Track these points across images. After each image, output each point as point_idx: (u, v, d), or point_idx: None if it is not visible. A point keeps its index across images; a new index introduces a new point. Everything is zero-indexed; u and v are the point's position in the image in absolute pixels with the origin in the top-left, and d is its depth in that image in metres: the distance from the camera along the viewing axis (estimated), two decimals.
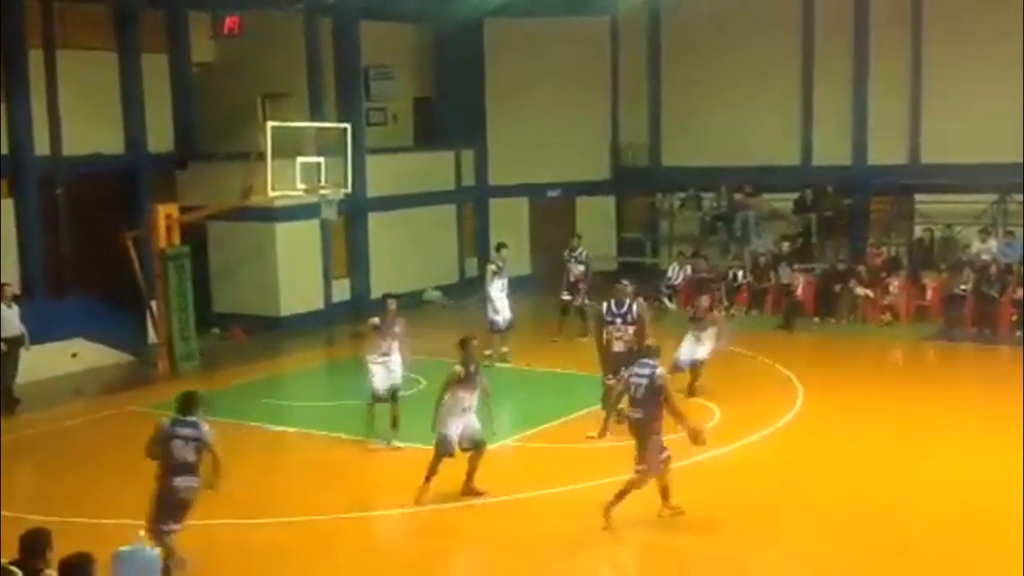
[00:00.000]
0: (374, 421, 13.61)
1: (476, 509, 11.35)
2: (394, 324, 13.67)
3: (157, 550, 8.38)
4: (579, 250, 20.03)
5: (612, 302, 13.79)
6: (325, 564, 10.30)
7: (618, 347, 13.50)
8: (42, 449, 14.59)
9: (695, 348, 15.52)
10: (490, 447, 13.31)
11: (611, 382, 13.39)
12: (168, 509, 9.32)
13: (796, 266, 21.93)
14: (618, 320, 13.57)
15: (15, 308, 16.57)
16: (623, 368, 13.08)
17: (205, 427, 9.47)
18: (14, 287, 17.59)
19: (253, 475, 12.82)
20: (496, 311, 18.22)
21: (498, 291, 18.32)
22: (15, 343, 16.45)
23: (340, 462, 13.41)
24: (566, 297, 19.61)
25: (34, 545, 6.30)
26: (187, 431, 9.39)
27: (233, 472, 12.85)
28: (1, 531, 9.95)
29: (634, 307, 13.58)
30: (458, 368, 11.46)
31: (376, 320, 13.71)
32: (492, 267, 18.54)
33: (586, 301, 19.32)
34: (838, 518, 10.95)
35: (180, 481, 9.31)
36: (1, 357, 16.41)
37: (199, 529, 10.94)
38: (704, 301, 16.57)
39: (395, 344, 13.61)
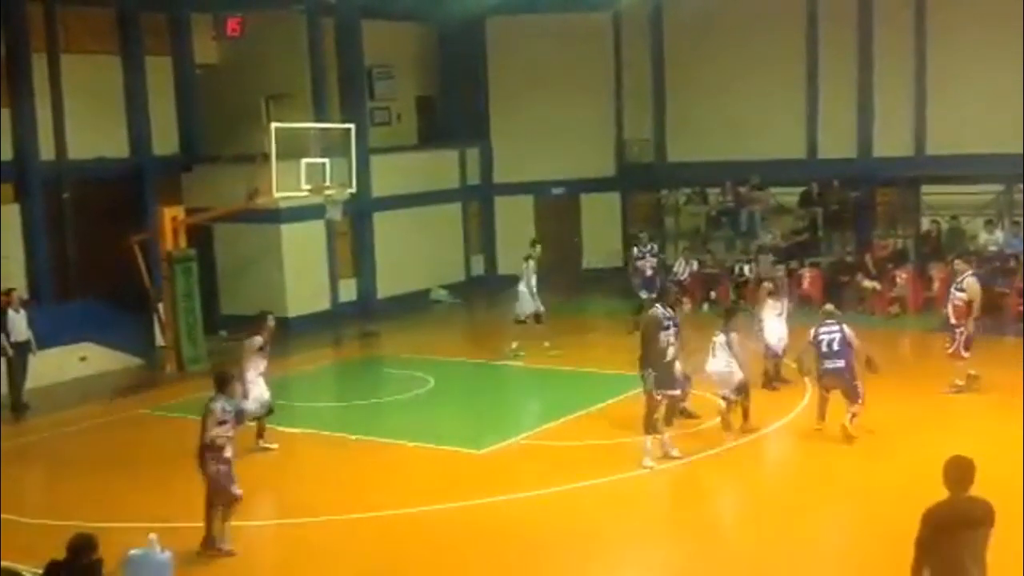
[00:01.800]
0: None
1: (485, 507, 11.36)
2: (269, 342, 13.59)
3: (168, 552, 8.37)
4: (651, 245, 20.17)
5: (666, 307, 12.63)
6: (333, 563, 10.31)
7: (670, 354, 12.30)
8: (52, 453, 14.63)
9: (783, 327, 15.46)
10: (500, 445, 13.39)
11: (660, 397, 12.33)
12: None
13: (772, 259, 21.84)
14: (670, 324, 12.37)
15: (23, 313, 16.61)
16: (672, 381, 12.42)
17: (209, 405, 10.30)
18: (21, 292, 17.64)
19: (261, 476, 12.84)
20: (533, 305, 18.27)
21: (533, 286, 18.45)
22: (22, 348, 16.49)
23: (349, 462, 13.42)
24: (645, 295, 18.75)
25: (81, 548, 6.88)
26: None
27: (241, 473, 12.95)
28: (1, 533, 10.03)
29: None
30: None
31: (260, 340, 13.38)
32: (533, 263, 18.56)
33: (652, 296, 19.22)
34: (847, 508, 10.94)
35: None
36: (9, 362, 16.46)
37: (202, 531, 10.98)
38: (782, 270, 16.55)
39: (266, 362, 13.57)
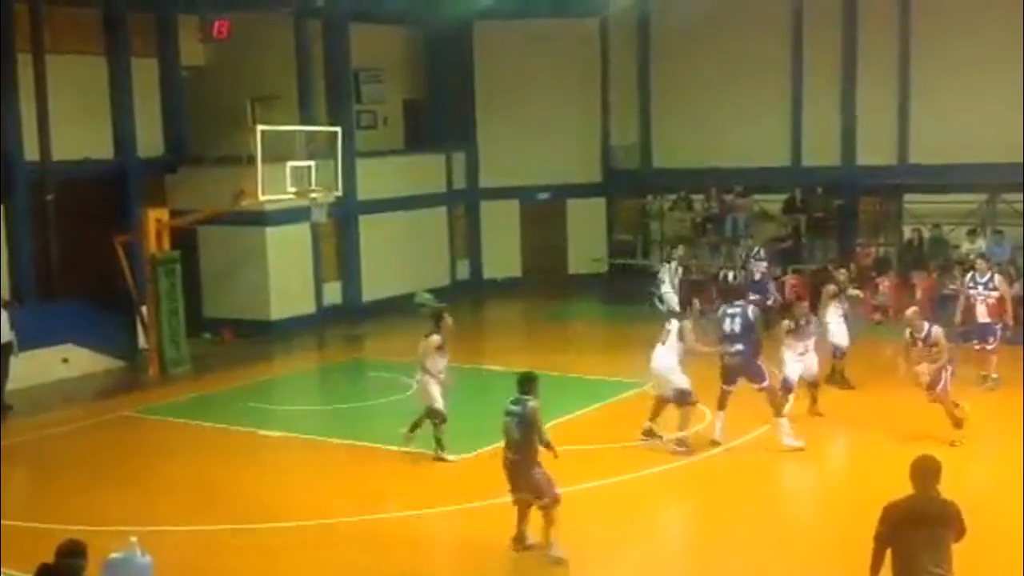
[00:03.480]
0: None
1: (469, 512, 11.37)
2: (448, 341, 13.25)
3: (148, 557, 8.34)
4: (757, 249, 20.46)
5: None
6: (318, 568, 10.30)
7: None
8: (33, 455, 14.56)
9: (845, 328, 15.92)
10: (484, 450, 13.38)
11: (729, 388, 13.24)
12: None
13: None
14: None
15: (5, 314, 16.54)
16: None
17: (531, 404, 9.93)
18: (3, 293, 17.57)
19: (245, 480, 12.83)
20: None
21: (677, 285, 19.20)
22: (4, 349, 16.41)
23: (332, 466, 13.41)
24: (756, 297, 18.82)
25: (69, 553, 6.99)
26: (514, 408, 9.98)
27: (224, 477, 12.94)
28: None
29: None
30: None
31: (438, 338, 13.02)
32: (675, 264, 19.47)
33: (778, 297, 19.40)
34: (830, 516, 10.99)
35: (507, 454, 10.05)
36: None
37: (194, 534, 10.97)
38: (844, 273, 17.07)
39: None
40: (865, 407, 14.76)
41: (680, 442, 12.99)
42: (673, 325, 13.21)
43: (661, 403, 13.21)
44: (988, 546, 9.67)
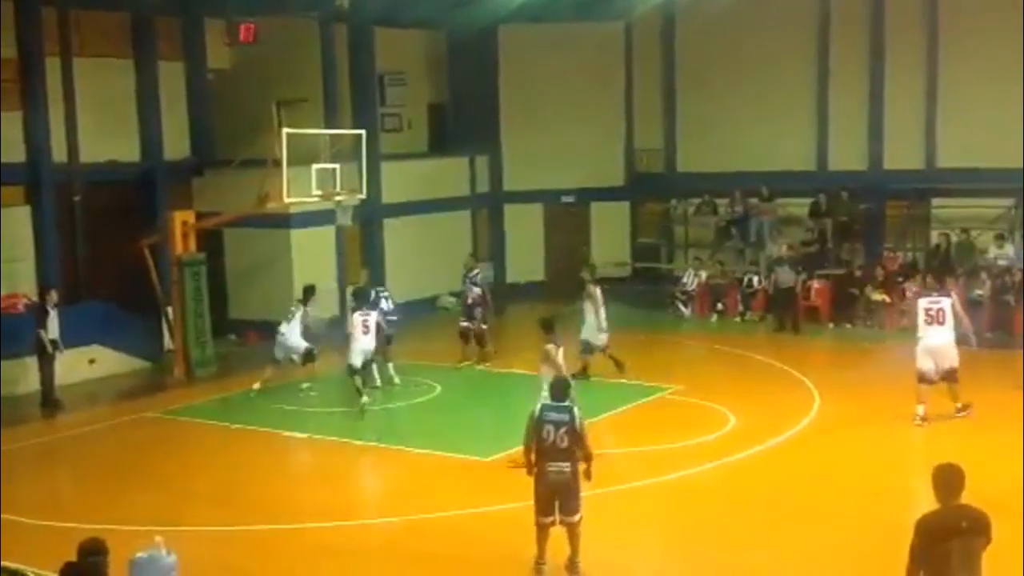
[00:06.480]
0: None
1: (492, 515, 11.35)
2: None
3: (174, 556, 8.38)
4: (475, 272, 19.84)
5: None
6: (340, 570, 10.31)
7: None
8: (59, 455, 14.67)
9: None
10: (507, 452, 13.39)
11: None
12: (539, 496, 9.47)
13: (803, 271, 21.83)
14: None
15: (55, 313, 16.74)
16: None
17: (578, 411, 9.49)
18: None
19: (269, 481, 12.87)
20: None
21: None
22: (54, 346, 16.64)
23: (356, 468, 13.44)
24: (464, 323, 19.15)
25: (91, 551, 7.06)
26: (557, 416, 9.45)
27: (249, 478, 12.99)
28: (2, 535, 10.04)
29: None
30: None
31: (552, 347, 12.62)
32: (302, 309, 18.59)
33: (483, 325, 19.07)
34: (855, 522, 10.91)
35: (551, 467, 9.38)
36: (50, 359, 16.53)
37: (218, 533, 11.02)
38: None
39: None
40: (882, 414, 14.65)
41: (964, 407, 14.36)
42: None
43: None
44: (1000, 554, 9.60)
